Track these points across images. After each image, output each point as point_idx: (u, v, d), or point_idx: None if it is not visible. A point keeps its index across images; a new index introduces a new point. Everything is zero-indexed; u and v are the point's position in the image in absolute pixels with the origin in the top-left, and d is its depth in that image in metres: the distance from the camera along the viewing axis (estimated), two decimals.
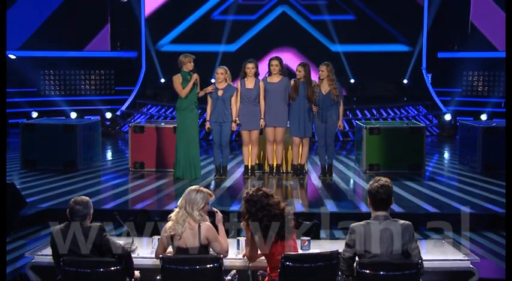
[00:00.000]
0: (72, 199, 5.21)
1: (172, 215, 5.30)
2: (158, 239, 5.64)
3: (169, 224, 5.25)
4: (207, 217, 5.33)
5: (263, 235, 5.14)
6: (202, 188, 5.34)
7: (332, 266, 5.03)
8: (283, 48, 18.80)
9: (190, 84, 10.41)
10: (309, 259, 5.04)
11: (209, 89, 10.46)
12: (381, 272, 4.87)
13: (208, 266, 5.00)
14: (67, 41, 19.51)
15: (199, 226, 5.20)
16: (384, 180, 5.08)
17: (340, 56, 19.34)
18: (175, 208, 5.33)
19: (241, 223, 5.31)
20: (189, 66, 10.43)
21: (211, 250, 5.29)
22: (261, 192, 5.22)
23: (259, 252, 5.30)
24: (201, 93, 10.59)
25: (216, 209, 5.59)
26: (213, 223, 5.41)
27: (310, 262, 5.00)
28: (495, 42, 18.59)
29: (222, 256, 5.12)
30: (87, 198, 5.24)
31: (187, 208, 5.24)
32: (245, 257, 5.42)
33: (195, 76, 10.42)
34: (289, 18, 19.94)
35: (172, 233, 5.19)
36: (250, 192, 5.25)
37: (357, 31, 19.61)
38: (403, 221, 5.03)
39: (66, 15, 19.52)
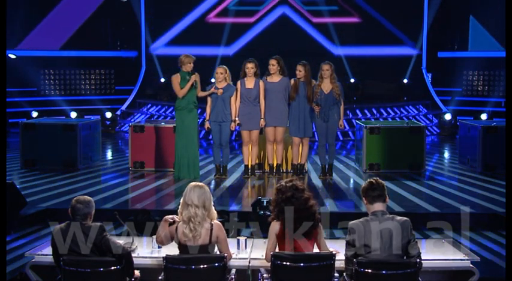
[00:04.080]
0: (75, 198, 5.21)
1: (186, 217, 5.13)
2: None
3: (186, 227, 5.12)
4: None
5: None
6: (198, 184, 5.30)
7: (327, 267, 5.02)
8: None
9: (188, 85, 10.39)
10: (300, 258, 5.03)
11: (212, 90, 10.44)
12: (380, 271, 4.88)
13: (212, 265, 4.99)
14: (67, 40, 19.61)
15: (211, 224, 5.19)
16: (374, 178, 5.23)
17: (342, 59, 19.35)
18: (189, 207, 5.14)
19: (271, 219, 5.28)
20: (188, 67, 10.42)
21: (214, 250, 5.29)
22: (291, 184, 5.25)
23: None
24: (202, 95, 10.56)
25: None
26: (221, 222, 5.41)
27: (301, 262, 4.99)
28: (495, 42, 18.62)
29: (226, 255, 5.13)
30: (89, 198, 5.24)
31: (207, 204, 5.18)
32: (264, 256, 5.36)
33: (194, 77, 10.41)
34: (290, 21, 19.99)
35: (191, 234, 5.11)
36: (283, 182, 5.29)
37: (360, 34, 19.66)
38: (400, 217, 5.07)
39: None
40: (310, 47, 19.34)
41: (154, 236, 5.70)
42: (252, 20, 20.09)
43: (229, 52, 19.97)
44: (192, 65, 10.42)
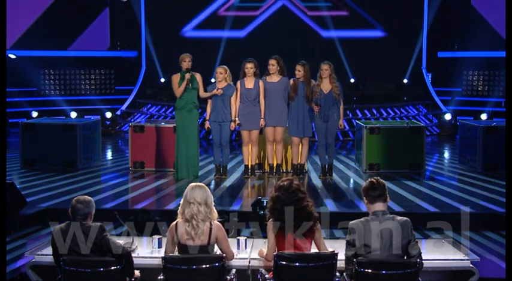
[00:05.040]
0: (75, 198, 5.21)
1: (188, 216, 5.15)
2: (158, 238, 5.64)
3: (189, 225, 5.13)
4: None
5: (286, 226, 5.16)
6: (198, 184, 5.32)
7: (328, 267, 5.02)
8: None
9: (183, 84, 10.39)
10: (303, 258, 5.03)
11: (215, 92, 10.40)
12: (380, 271, 4.88)
13: (211, 265, 4.99)
14: (64, 39, 19.65)
15: (210, 224, 5.19)
16: (375, 177, 5.23)
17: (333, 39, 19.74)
18: (192, 205, 5.16)
19: (268, 219, 5.29)
20: (184, 64, 10.41)
21: (214, 250, 5.29)
22: (288, 183, 5.26)
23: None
24: (205, 95, 10.52)
25: None
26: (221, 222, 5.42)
27: (304, 262, 4.99)
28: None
29: (225, 255, 5.13)
30: (89, 198, 5.24)
31: (209, 202, 5.20)
32: (261, 256, 5.38)
33: (188, 75, 10.39)
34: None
35: (193, 232, 5.11)
36: (279, 181, 5.31)
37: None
38: (400, 217, 5.08)
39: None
40: (306, 32, 20.22)
41: (154, 236, 5.71)
42: (256, 13, 20.48)
43: (240, 35, 20.51)
44: (187, 62, 10.37)
